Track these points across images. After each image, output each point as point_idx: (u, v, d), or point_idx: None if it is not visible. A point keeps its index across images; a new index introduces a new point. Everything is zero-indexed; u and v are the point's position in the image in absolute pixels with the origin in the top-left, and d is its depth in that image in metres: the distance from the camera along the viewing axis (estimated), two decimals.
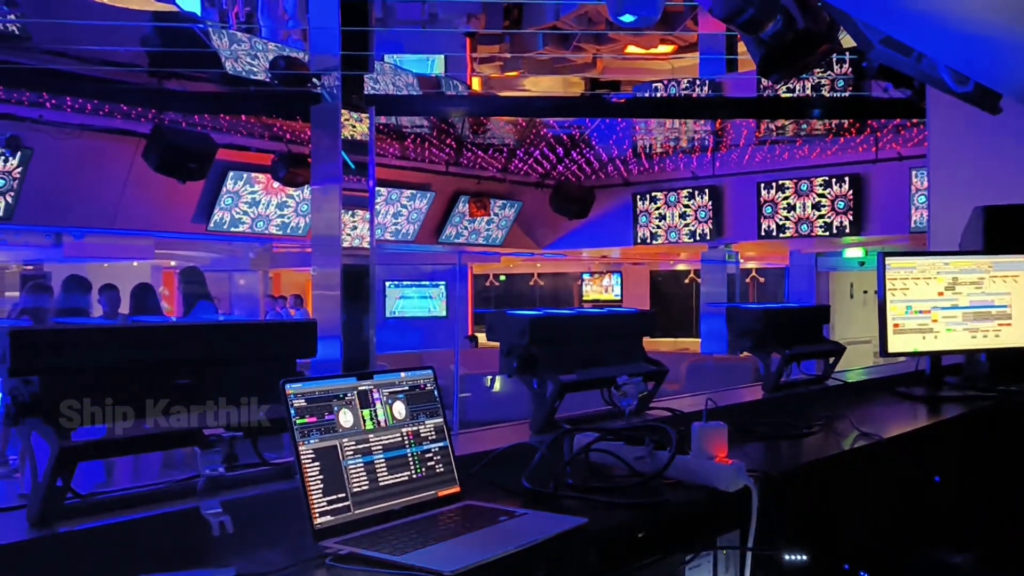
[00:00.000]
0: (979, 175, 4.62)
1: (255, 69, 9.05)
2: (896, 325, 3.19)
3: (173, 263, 12.65)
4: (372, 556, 1.37)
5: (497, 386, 9.46)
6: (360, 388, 1.60)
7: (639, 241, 13.52)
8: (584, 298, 19.92)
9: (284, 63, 8.45)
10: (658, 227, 13.28)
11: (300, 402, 1.49)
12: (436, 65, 15.79)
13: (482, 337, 14.18)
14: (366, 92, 7.14)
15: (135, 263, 11.50)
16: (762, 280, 17.22)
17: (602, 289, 19.81)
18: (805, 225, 11.93)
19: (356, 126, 6.90)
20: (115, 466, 5.31)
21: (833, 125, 10.73)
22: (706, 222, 12.83)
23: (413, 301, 16.16)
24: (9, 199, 8.10)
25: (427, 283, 16.01)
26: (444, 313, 15.27)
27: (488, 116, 11.24)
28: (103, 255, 10.49)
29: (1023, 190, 4.28)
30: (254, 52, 9.34)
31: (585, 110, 11.46)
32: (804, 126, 10.94)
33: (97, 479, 4.94)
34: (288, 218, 10.89)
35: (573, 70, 17.82)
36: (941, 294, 3.25)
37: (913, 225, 10.76)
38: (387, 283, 15.64)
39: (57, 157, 8.21)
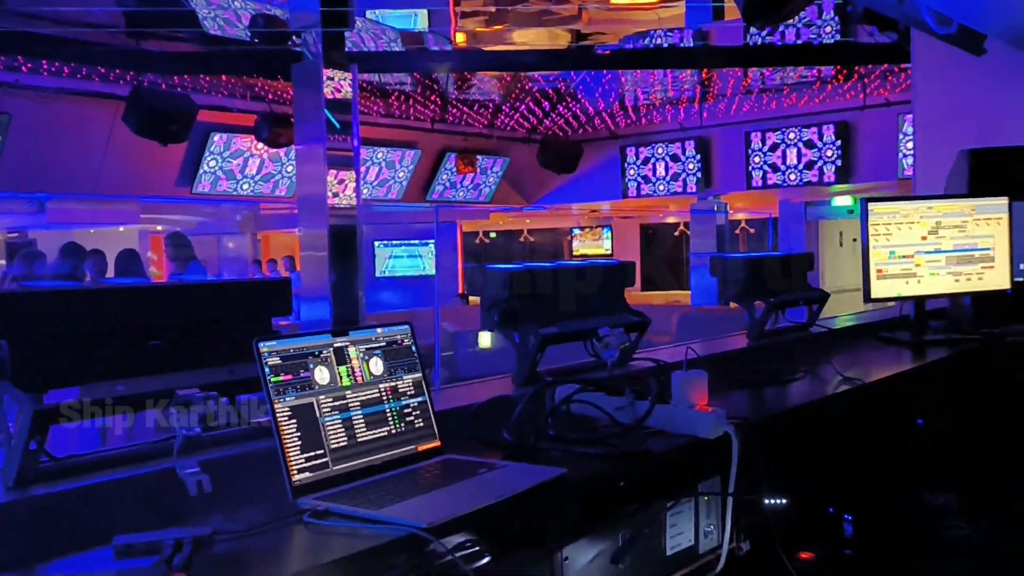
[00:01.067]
0: (964, 118, 4.59)
1: (234, 28, 8.89)
2: (879, 271, 3.19)
3: (160, 227, 12.56)
4: (350, 512, 1.37)
5: (488, 342, 9.47)
6: (336, 345, 1.59)
7: (628, 194, 13.47)
8: (574, 253, 19.90)
9: (263, 21, 8.30)
10: (647, 180, 13.23)
11: (274, 360, 1.48)
12: (419, 20, 15.55)
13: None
14: (347, 49, 7.03)
15: (121, 228, 11.42)
16: (752, 231, 17.22)
17: (595, 244, 19.78)
18: (793, 174, 11.89)
19: (338, 84, 6.81)
20: (108, 431, 5.32)
21: (820, 72, 10.63)
22: (695, 174, 12.78)
23: (403, 260, 16.14)
24: None
25: (416, 242, 15.97)
26: (434, 272, 15.27)
27: (473, 71, 11.08)
28: (87, 221, 10.40)
29: (1008, 132, 4.27)
30: (233, 10, 9.17)
31: (571, 62, 11.31)
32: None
33: (95, 444, 4.96)
34: (274, 179, 10.81)
35: (558, 22, 17.56)
36: (924, 238, 3.24)
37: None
38: (376, 243, 15.60)
39: (36, 122, 8.11)
